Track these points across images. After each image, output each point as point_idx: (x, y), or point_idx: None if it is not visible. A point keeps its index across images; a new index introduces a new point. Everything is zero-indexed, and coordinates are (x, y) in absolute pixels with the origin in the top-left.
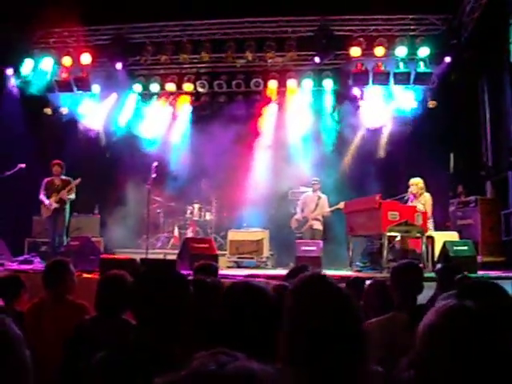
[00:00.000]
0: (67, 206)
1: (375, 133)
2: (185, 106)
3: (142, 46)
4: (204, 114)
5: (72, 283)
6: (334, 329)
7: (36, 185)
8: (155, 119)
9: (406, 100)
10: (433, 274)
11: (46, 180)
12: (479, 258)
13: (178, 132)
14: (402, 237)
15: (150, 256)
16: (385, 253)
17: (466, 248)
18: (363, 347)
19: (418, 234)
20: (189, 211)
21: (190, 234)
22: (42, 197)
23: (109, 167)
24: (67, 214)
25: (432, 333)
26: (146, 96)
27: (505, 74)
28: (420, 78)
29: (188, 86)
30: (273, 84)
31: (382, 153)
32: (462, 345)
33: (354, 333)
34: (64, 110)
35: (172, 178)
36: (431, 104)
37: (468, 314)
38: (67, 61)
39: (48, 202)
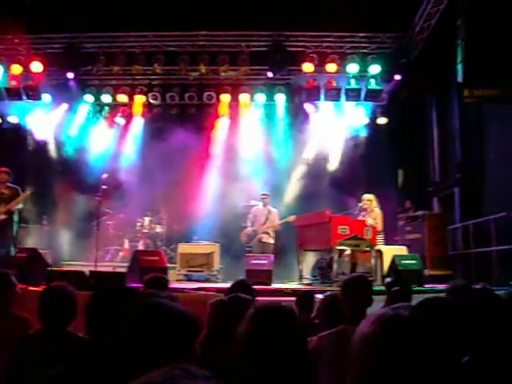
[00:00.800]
0: (15, 217)
1: (326, 148)
2: (136, 118)
3: (94, 55)
4: (156, 126)
5: (13, 295)
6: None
7: None
8: (106, 130)
9: (357, 116)
10: (382, 288)
11: None
12: (426, 272)
13: (129, 144)
14: (351, 250)
15: (100, 269)
16: (335, 266)
17: (414, 262)
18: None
19: (368, 248)
20: (139, 224)
21: (140, 247)
22: None
23: (58, 178)
24: (15, 225)
25: (362, 340)
26: (98, 107)
27: (452, 93)
28: (371, 95)
29: (140, 98)
30: (225, 98)
31: (332, 168)
32: (391, 352)
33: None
34: (13, 119)
35: (122, 189)
36: (381, 120)
37: (400, 321)
38: (17, 69)
39: None
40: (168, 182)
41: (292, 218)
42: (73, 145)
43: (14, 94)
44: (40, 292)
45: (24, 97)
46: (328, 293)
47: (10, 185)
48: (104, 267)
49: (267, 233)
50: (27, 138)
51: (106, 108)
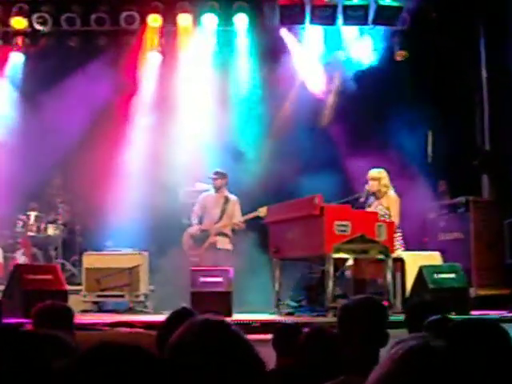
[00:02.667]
0: None
1: (314, 98)
2: (14, 54)
3: None
4: (44, 66)
5: None
6: None
7: None
8: None
9: (361, 49)
10: (402, 317)
11: None
12: (473, 291)
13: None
14: (356, 260)
15: None
16: (330, 285)
17: (452, 276)
18: None
19: (381, 256)
20: (20, 223)
21: (21, 259)
22: None
23: None
24: None
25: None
26: None
27: None
28: (383, 16)
29: (19, 22)
30: (154, 20)
31: (324, 122)
32: None
33: None
34: None
35: None
36: (399, 55)
37: (432, 355)
38: None
39: None
40: (65, 158)
41: (262, 210)
42: None
43: None
44: None
45: None
46: (313, 326)
47: None
48: None
49: (224, 234)
50: None
51: None
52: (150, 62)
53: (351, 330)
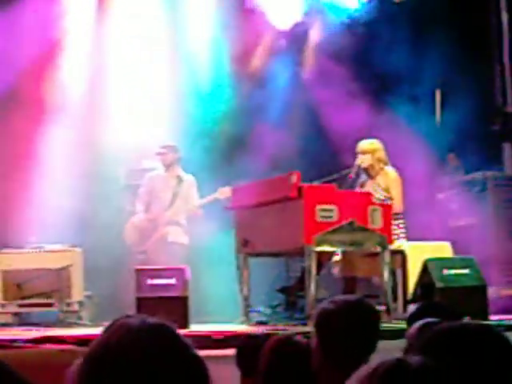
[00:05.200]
0: None
1: (290, 49)
2: None
3: None
4: None
5: None
6: None
7: None
8: None
9: None
10: (404, 324)
11: None
12: (492, 291)
13: None
14: (344, 254)
15: None
16: (312, 286)
17: (466, 272)
18: None
19: (377, 248)
20: None
21: None
22: None
23: None
24: None
25: None
26: None
27: None
28: None
29: None
30: None
31: (305, 89)
32: None
33: None
34: None
35: None
36: None
37: (401, 376)
38: None
39: None
40: None
41: (224, 191)
42: None
43: None
44: None
45: None
46: (282, 336)
47: None
48: None
49: (177, 223)
50: None
51: None
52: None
53: (331, 342)
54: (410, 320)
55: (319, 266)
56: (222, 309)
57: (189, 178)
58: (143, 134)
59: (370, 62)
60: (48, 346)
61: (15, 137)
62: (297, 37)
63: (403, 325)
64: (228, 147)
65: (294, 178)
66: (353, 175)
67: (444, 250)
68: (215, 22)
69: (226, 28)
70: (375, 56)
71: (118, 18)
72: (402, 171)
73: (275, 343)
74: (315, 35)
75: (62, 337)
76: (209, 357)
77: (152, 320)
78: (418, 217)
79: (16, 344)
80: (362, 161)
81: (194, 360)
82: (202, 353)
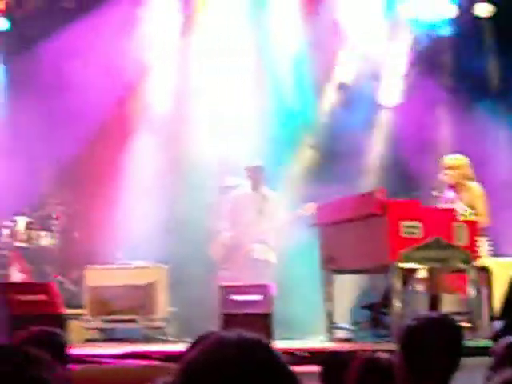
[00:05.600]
0: None
1: (375, 64)
2: None
3: None
4: (28, 34)
5: None
6: None
7: None
8: None
9: (433, 3)
10: (489, 343)
11: None
12: None
13: None
14: (429, 271)
15: None
16: (396, 303)
17: None
18: None
19: (462, 265)
20: (6, 231)
21: (15, 275)
22: None
23: None
24: None
25: None
26: None
27: None
28: None
29: None
30: None
31: (388, 104)
32: None
33: None
34: None
35: None
36: (481, 10)
37: None
38: None
39: None
40: (62, 148)
41: (308, 207)
42: None
43: None
44: None
45: None
46: (367, 355)
47: None
48: None
49: (262, 241)
50: None
51: None
52: (167, 24)
53: (415, 358)
54: (496, 337)
55: (404, 283)
56: (306, 325)
57: (274, 196)
58: (228, 151)
59: (457, 74)
60: (133, 361)
61: (102, 154)
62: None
63: (488, 342)
64: (312, 163)
65: (379, 194)
66: (437, 192)
67: None
68: (300, 38)
69: (311, 44)
70: (463, 67)
71: (203, 34)
72: (488, 186)
73: (361, 363)
74: (399, 49)
75: (147, 353)
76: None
77: (248, 335)
78: (505, 232)
79: (101, 359)
80: (449, 177)
81: (288, 377)
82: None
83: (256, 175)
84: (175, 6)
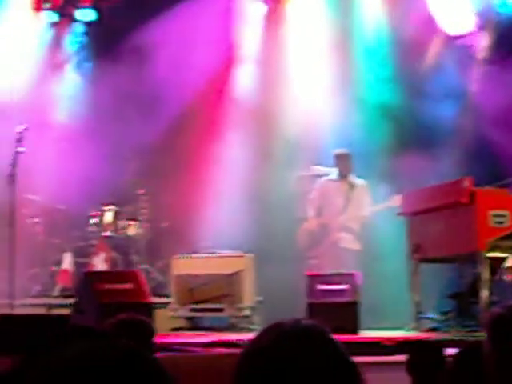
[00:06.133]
0: None
1: (460, 53)
2: (81, 12)
3: None
4: (115, 25)
5: None
6: None
7: None
8: (17, 40)
9: None
10: None
11: None
12: None
13: (64, 64)
14: None
15: (19, 311)
16: (484, 292)
17: None
18: None
19: None
20: (94, 220)
21: (99, 265)
22: None
23: None
24: None
25: None
26: None
27: None
28: None
29: None
30: None
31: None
32: None
33: None
34: None
35: (59, 156)
36: None
37: None
38: None
39: None
40: (147, 138)
41: (396, 198)
42: None
43: None
44: None
45: None
46: (465, 345)
47: None
48: (28, 308)
49: (349, 229)
50: None
51: None
52: (252, 14)
53: (504, 346)
54: None
55: (491, 272)
56: (392, 315)
57: (361, 184)
58: (316, 139)
59: None
60: (219, 350)
61: (189, 143)
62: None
63: None
64: (399, 152)
65: (467, 183)
66: None
67: None
68: (383, 24)
69: (396, 29)
70: None
71: (288, 24)
72: None
73: (462, 352)
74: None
75: (233, 341)
76: (378, 363)
77: (305, 322)
78: None
79: (188, 348)
80: None
81: (345, 364)
82: (371, 359)
83: (344, 163)
84: None
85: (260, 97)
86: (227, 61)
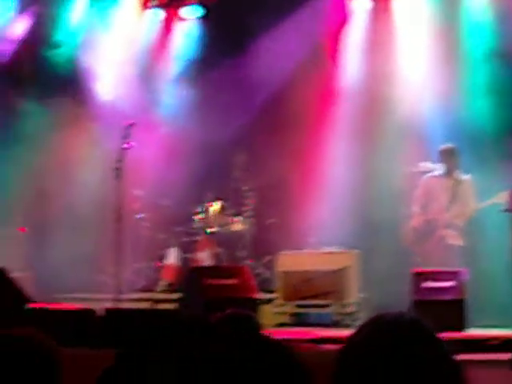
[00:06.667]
0: None
1: None
2: (187, 9)
3: None
4: (228, 19)
5: None
6: None
7: None
8: (126, 39)
9: None
10: None
11: None
12: None
13: (171, 64)
14: None
15: (125, 305)
16: None
17: None
18: None
19: None
20: (199, 216)
21: (204, 260)
22: None
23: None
24: None
25: None
26: None
27: None
28: None
29: None
30: None
31: None
32: None
33: None
34: None
35: (164, 152)
36: None
37: None
38: None
39: None
40: (252, 133)
41: (503, 195)
42: (63, 63)
43: None
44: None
45: None
46: None
47: None
48: (134, 302)
49: (455, 226)
50: None
51: None
52: (357, 14)
53: None
54: None
55: None
56: (498, 313)
57: (466, 179)
58: (423, 135)
59: None
60: (324, 345)
61: (293, 142)
62: None
63: None
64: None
65: None
66: None
67: None
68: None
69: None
70: None
71: (395, 18)
72: None
73: None
74: None
75: (338, 337)
76: (483, 361)
77: (409, 316)
78: None
79: (293, 343)
80: None
81: (448, 362)
82: (476, 356)
83: (449, 158)
84: None
85: (367, 91)
86: (333, 54)
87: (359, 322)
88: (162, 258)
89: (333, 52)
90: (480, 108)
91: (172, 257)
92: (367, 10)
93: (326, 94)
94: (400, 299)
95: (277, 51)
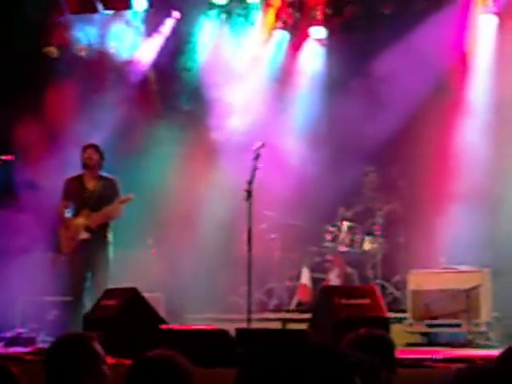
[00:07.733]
0: (109, 235)
1: None
2: (313, 30)
3: None
4: (350, 39)
5: (99, 374)
6: None
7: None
8: (254, 56)
9: None
10: None
11: (66, 180)
12: None
13: (300, 84)
14: None
15: (256, 325)
16: None
17: None
18: None
19: None
20: (330, 236)
21: (334, 280)
22: (63, 211)
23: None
24: (109, 251)
25: None
26: (239, 11)
27: None
28: None
29: None
30: None
31: None
32: None
33: None
34: (81, 48)
35: (293, 171)
36: None
37: None
38: None
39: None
40: (382, 149)
41: None
42: (192, 84)
43: (81, 3)
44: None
45: (99, 6)
46: None
47: (104, 174)
48: (265, 322)
49: None
50: (108, 77)
51: (253, 12)
52: (484, 26)
53: None
54: None
55: None
56: None
57: None
58: None
59: None
60: (456, 366)
61: (425, 161)
62: None
63: None
64: None
65: None
66: None
67: None
68: None
69: None
70: None
71: None
72: None
73: None
74: None
75: (471, 357)
76: None
77: None
78: None
79: (424, 363)
80: None
81: None
82: None
83: None
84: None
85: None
86: (461, 69)
87: (491, 342)
88: (293, 277)
89: (462, 72)
90: None
91: (305, 276)
92: (494, 26)
93: (457, 114)
94: None
95: (407, 72)
